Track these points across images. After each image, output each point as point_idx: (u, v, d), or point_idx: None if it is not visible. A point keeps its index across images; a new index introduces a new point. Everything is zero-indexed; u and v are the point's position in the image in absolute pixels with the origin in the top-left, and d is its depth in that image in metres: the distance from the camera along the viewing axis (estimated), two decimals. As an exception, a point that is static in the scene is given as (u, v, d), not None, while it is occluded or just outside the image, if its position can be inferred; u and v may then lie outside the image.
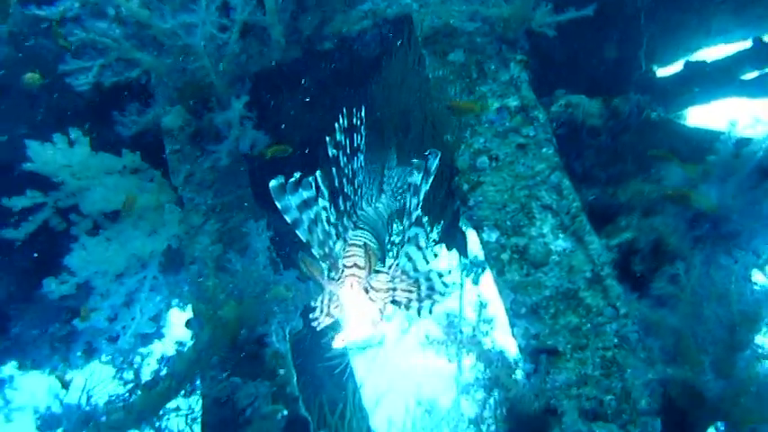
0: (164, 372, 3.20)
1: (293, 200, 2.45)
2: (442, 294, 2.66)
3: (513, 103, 4.26)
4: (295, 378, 3.48)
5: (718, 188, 3.50)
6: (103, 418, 2.92)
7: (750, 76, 5.61)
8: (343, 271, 2.51)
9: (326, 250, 2.55)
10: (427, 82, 4.57)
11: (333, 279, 2.50)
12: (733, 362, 2.38)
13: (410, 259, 2.62)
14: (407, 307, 2.62)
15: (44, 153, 4.46)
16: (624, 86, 5.25)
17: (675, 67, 6.01)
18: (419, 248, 2.61)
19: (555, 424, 2.88)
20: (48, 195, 4.61)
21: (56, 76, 4.74)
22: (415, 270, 2.63)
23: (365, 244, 2.55)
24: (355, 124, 2.77)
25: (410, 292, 2.62)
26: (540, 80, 4.53)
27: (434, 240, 4.11)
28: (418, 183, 2.40)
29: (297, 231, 2.51)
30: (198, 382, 3.53)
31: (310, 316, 2.56)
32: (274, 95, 5.17)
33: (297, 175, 2.49)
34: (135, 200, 4.14)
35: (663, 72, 6.12)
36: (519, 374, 2.99)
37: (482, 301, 3.54)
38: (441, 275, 2.66)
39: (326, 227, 2.54)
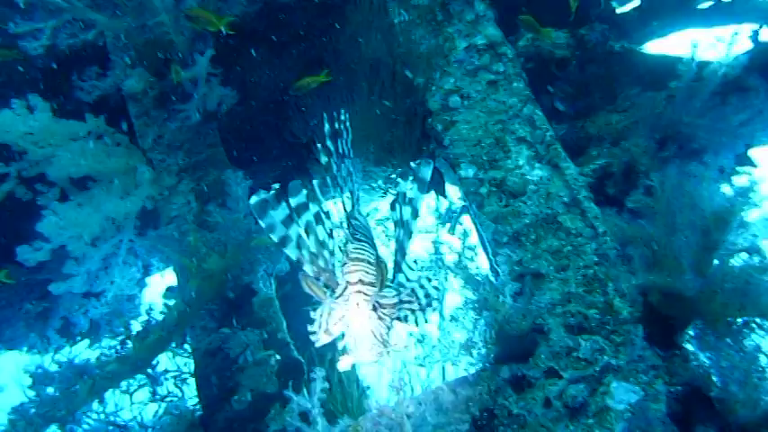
0: (154, 323, 3.20)
1: (277, 215, 2.27)
2: (438, 300, 2.56)
3: (480, 41, 4.27)
4: (285, 323, 3.51)
5: (683, 108, 3.60)
6: (97, 371, 2.92)
7: (705, 5, 5.71)
8: (346, 287, 2.34)
9: (321, 264, 2.37)
10: (393, 27, 4.54)
11: (334, 296, 2.32)
12: (708, 262, 2.49)
13: (401, 270, 2.49)
14: (408, 319, 2.49)
15: (2, 121, 4.30)
16: (585, 23, 5.30)
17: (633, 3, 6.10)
18: (405, 258, 2.47)
19: (542, 341, 2.98)
20: (9, 165, 4.47)
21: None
22: (408, 280, 2.51)
23: (377, 258, 2.38)
24: (339, 129, 2.59)
25: (411, 303, 2.49)
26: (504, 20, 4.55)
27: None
28: (407, 191, 2.26)
29: (285, 251, 2.33)
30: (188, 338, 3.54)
31: (308, 328, 2.41)
32: (238, 51, 5.08)
33: (276, 186, 2.30)
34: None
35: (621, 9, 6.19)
36: (506, 297, 3.07)
37: (465, 229, 3.60)
38: (429, 280, 2.56)
39: (321, 237, 2.34)
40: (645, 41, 5.98)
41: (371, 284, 2.31)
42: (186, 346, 3.61)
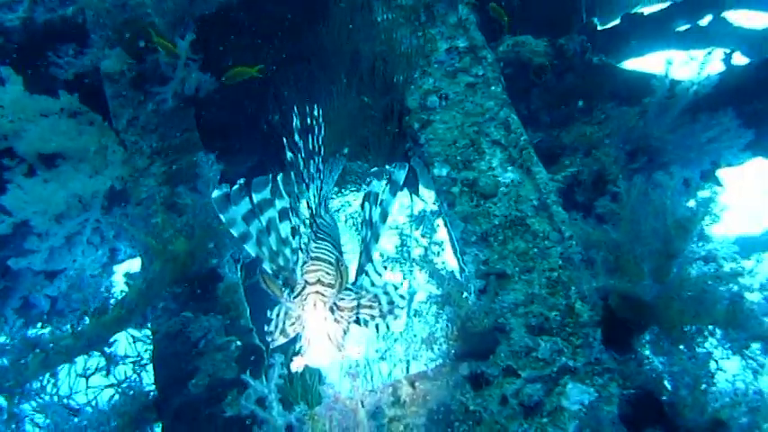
0: (113, 301, 3.14)
1: (238, 210, 2.26)
2: (401, 308, 2.50)
3: (462, 44, 4.32)
4: (248, 311, 3.48)
5: (655, 123, 3.67)
6: (51, 345, 2.85)
7: (682, 28, 5.87)
8: (304, 287, 2.27)
9: (281, 263, 2.33)
10: (376, 25, 4.57)
11: (292, 295, 2.27)
12: (668, 269, 2.54)
13: (366, 273, 2.45)
14: (367, 324, 2.44)
15: (-29, 92, 4.21)
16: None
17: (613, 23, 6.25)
18: (371, 261, 2.43)
19: (503, 340, 3.00)
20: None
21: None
22: (373, 285, 2.46)
23: (337, 259, 2.30)
24: (311, 124, 2.51)
25: (371, 308, 2.43)
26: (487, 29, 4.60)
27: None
28: (380, 193, 2.21)
29: (245, 246, 2.31)
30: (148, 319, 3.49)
31: (265, 329, 2.38)
32: (219, 40, 5.04)
33: (241, 181, 2.30)
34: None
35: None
36: (470, 294, 3.09)
37: (434, 225, 3.62)
38: (396, 288, 2.50)
39: (283, 235, 2.32)
40: (623, 59, 6.12)
41: (330, 285, 2.25)
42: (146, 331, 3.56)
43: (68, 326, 2.92)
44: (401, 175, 2.27)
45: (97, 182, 3.98)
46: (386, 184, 2.25)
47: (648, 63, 6.14)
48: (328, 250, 2.42)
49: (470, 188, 3.62)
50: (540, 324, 3.00)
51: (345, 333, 2.27)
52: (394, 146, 4.10)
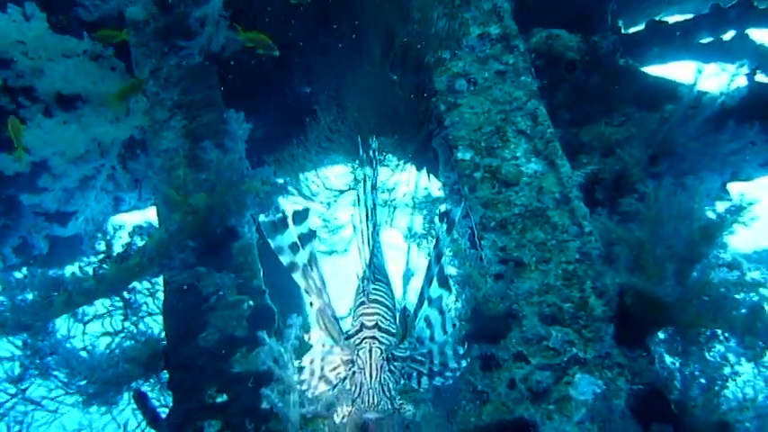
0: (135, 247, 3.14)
1: (285, 239, 2.08)
2: (452, 373, 2.34)
3: (494, 31, 4.32)
4: (261, 272, 3.49)
5: (679, 129, 3.71)
6: (73, 286, 2.85)
7: (706, 40, 5.90)
8: (360, 330, 2.11)
9: (326, 299, 2.14)
10: (409, 2, 4.54)
11: (343, 337, 2.10)
12: (689, 272, 2.59)
13: (429, 325, 2.27)
14: (410, 378, 2.28)
15: (-5, 24, 4.13)
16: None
17: (637, 28, 6.26)
18: (441, 313, 2.24)
19: (515, 326, 3.05)
20: (-6, 72, 4.29)
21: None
22: (431, 339, 2.28)
23: (404, 308, 2.14)
24: (372, 157, 2.35)
25: (422, 364, 2.28)
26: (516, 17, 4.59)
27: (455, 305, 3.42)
28: (441, 234, 2.04)
29: (294, 277, 2.14)
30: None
31: (297, 378, 2.23)
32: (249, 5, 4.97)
33: (283, 210, 2.16)
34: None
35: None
36: (488, 277, 3.13)
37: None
38: (457, 350, 2.34)
39: (322, 273, 2.14)
40: (645, 65, 6.15)
41: (388, 332, 2.09)
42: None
43: (90, 269, 2.92)
44: (457, 214, 2.13)
45: (118, 129, 3.95)
46: (443, 222, 2.06)
47: (669, 71, 6.20)
48: (387, 294, 2.28)
49: (492, 175, 3.64)
50: (553, 314, 3.04)
51: (398, 386, 2.11)
52: (419, 126, 4.10)
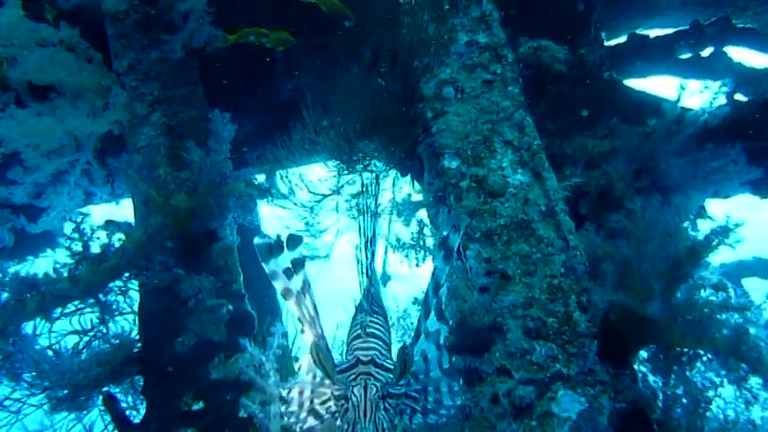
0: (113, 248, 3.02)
1: (279, 263, 2.04)
2: (446, 412, 2.30)
3: (482, 39, 4.30)
4: (241, 276, 3.41)
5: (662, 145, 3.75)
6: (46, 287, 2.73)
7: (686, 56, 6.00)
8: (355, 365, 2.07)
9: (319, 331, 2.06)
10: (398, 6, 4.49)
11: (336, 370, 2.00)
12: (674, 291, 2.60)
13: (425, 360, 2.23)
14: (403, 415, 2.22)
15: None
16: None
17: (619, 40, 6.33)
18: (438, 349, 2.15)
19: (499, 340, 3.03)
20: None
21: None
22: (427, 375, 2.25)
23: (404, 345, 2.02)
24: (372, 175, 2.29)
25: (416, 401, 2.23)
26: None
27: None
28: (438, 263, 1.99)
29: (287, 303, 2.10)
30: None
31: (284, 410, 2.17)
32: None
33: (279, 235, 2.09)
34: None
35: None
36: (475, 289, 3.11)
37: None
38: (452, 387, 2.27)
39: (316, 302, 2.08)
40: (626, 78, 6.22)
41: (383, 368, 2.05)
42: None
43: (65, 270, 2.81)
44: (456, 241, 2.08)
45: (95, 123, 3.82)
46: (439, 251, 2.04)
47: (649, 84, 6.28)
48: (383, 327, 2.22)
49: (479, 185, 3.62)
50: (537, 328, 3.04)
51: (392, 425, 2.06)
52: (404, 131, 4.06)
